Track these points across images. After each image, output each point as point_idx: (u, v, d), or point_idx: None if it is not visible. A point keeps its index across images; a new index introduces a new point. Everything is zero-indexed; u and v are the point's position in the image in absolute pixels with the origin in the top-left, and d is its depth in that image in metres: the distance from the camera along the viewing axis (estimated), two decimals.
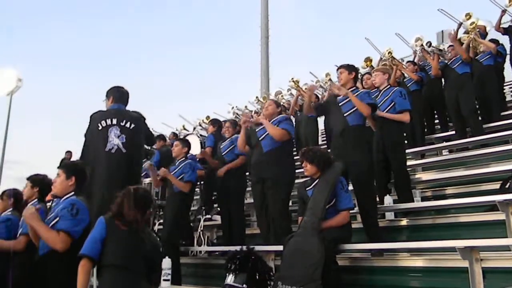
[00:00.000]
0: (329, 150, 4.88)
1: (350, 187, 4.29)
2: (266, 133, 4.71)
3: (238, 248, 3.83)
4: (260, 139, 4.77)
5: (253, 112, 11.07)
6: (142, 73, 39.69)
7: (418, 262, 3.75)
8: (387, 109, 5.04)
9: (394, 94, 5.11)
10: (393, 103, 5.06)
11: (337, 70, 4.71)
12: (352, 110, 4.37)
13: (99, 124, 4.02)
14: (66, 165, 3.51)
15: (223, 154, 5.78)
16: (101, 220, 2.84)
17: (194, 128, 11.08)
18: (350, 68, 4.62)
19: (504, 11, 7.83)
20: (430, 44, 7.46)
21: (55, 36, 39.15)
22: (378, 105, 5.09)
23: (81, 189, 3.36)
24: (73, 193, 3.31)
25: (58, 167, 3.44)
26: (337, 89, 4.58)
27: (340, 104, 4.47)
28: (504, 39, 7.98)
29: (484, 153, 5.62)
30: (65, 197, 3.30)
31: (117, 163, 3.86)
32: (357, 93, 4.45)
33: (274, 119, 4.81)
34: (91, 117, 4.12)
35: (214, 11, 40.15)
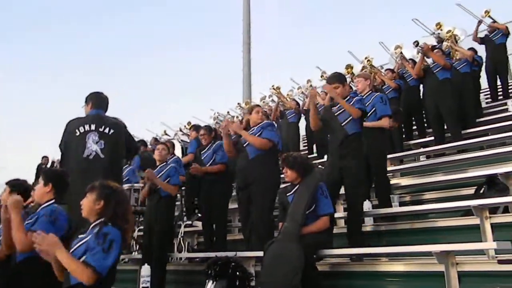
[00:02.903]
0: (309, 156, 4.90)
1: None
2: None
3: (218, 254, 3.83)
4: (245, 145, 4.74)
5: (234, 118, 11.12)
6: (125, 78, 39.32)
7: (397, 266, 3.78)
8: (368, 115, 5.09)
9: (375, 99, 5.17)
10: (374, 109, 5.12)
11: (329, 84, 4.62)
12: (349, 119, 4.36)
13: (77, 130, 3.91)
14: (45, 172, 3.46)
15: (206, 164, 5.73)
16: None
17: (175, 134, 11.06)
18: (342, 80, 4.59)
19: (480, 22, 8.15)
20: (417, 43, 7.56)
21: (34, 40, 38.43)
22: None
23: (62, 197, 3.31)
24: (53, 200, 3.26)
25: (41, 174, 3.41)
26: (318, 96, 4.61)
27: (336, 114, 4.45)
28: (480, 48, 8.26)
29: (460, 159, 5.74)
30: (44, 205, 3.24)
31: (95, 170, 3.73)
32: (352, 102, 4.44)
33: (258, 125, 4.76)
34: (68, 123, 4.02)
35: (197, 17, 40.19)
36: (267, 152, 4.60)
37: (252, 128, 4.78)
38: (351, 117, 4.35)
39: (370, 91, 5.36)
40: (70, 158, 3.90)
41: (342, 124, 4.37)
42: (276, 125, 4.95)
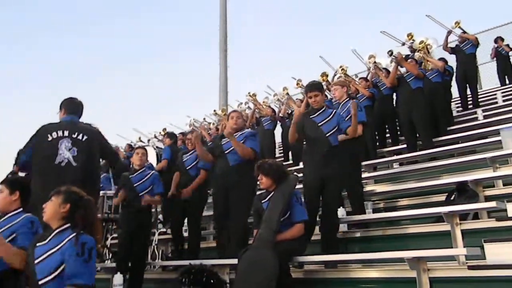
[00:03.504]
0: (284, 163, 4.91)
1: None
2: (233, 147, 4.68)
3: (192, 262, 3.80)
4: (226, 152, 4.74)
5: (211, 125, 11.10)
6: (101, 87, 38.88)
7: (370, 273, 3.81)
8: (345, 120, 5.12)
9: (349, 107, 5.22)
10: (349, 116, 5.17)
11: (308, 93, 4.63)
12: (334, 130, 4.38)
13: (49, 135, 3.78)
14: (9, 180, 3.32)
15: (187, 168, 5.68)
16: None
17: (149, 140, 10.96)
18: (321, 88, 4.65)
19: (449, 32, 8.42)
20: (392, 53, 7.74)
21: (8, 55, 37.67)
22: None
23: (26, 205, 3.21)
24: (21, 209, 3.17)
25: (1, 183, 3.27)
26: (294, 103, 4.63)
27: (320, 124, 4.43)
28: (451, 58, 8.49)
29: (432, 166, 5.85)
30: (12, 213, 3.14)
31: (66, 177, 3.56)
32: (333, 113, 4.49)
33: (240, 133, 4.78)
34: (39, 129, 3.88)
35: (174, 26, 40.17)
36: (248, 161, 4.60)
37: (234, 135, 4.76)
38: (335, 128, 4.38)
39: (347, 99, 5.43)
40: (40, 164, 3.76)
41: (327, 135, 4.38)
42: (258, 134, 4.94)
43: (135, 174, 5.25)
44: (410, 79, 6.76)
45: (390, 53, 7.90)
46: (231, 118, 4.90)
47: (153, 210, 6.44)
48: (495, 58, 10.55)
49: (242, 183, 4.53)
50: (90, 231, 2.56)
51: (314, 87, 4.59)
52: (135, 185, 5.17)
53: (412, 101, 6.64)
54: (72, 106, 4.08)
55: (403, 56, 7.08)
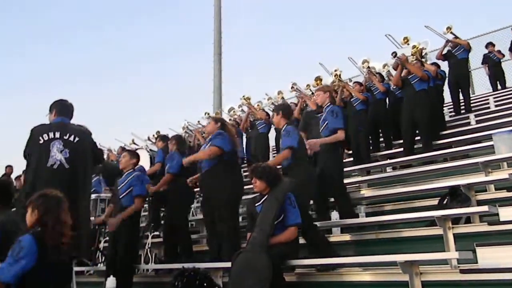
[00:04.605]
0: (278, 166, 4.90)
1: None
2: None
3: (185, 265, 3.78)
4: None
5: (205, 128, 11.07)
6: (97, 90, 38.77)
7: (363, 276, 3.82)
8: (322, 128, 5.18)
9: (327, 113, 5.22)
10: (326, 122, 5.19)
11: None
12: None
13: (40, 138, 3.77)
14: None
15: None
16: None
17: (147, 145, 10.90)
18: (277, 109, 4.85)
19: (448, 41, 8.43)
20: (396, 54, 7.77)
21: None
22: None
23: (5, 205, 3.20)
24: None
25: None
26: None
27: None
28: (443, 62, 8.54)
29: (425, 170, 5.88)
30: None
31: (59, 180, 3.57)
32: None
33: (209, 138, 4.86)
34: (31, 130, 3.86)
35: (169, 29, 40.20)
36: (219, 163, 4.63)
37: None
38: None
39: (329, 104, 5.36)
40: (33, 167, 3.73)
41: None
42: (225, 134, 4.86)
43: (121, 177, 5.25)
44: (414, 81, 6.70)
45: (394, 54, 7.92)
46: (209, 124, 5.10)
47: (145, 213, 6.43)
48: (487, 66, 10.64)
49: (217, 190, 4.55)
50: (48, 231, 2.62)
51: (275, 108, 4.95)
52: (118, 187, 5.17)
53: (416, 103, 6.60)
54: (63, 108, 4.07)
55: (407, 58, 7.06)
